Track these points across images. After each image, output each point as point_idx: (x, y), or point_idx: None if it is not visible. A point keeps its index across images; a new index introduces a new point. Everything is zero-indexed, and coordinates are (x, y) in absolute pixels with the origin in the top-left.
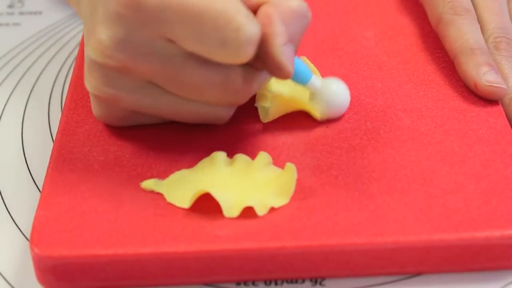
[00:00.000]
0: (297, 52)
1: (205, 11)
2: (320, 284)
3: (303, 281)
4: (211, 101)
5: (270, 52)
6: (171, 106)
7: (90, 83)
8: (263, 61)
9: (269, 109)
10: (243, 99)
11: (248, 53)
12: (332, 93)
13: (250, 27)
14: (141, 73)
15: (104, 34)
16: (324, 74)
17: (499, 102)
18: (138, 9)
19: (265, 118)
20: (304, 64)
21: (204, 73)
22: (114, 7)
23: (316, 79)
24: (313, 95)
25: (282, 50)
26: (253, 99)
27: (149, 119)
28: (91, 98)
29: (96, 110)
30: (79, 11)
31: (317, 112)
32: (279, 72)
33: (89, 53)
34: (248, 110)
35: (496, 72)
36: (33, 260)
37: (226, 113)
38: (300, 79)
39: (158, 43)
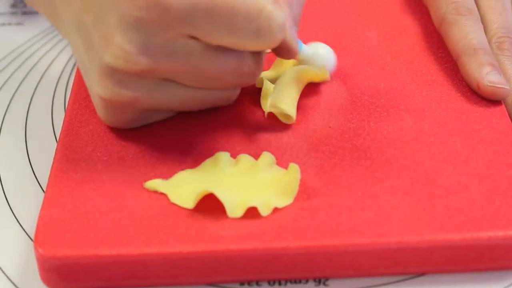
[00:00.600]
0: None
1: (235, 5)
2: (324, 284)
3: (307, 281)
4: (227, 86)
5: (280, 34)
6: (186, 98)
7: (106, 88)
8: None
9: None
10: (254, 79)
11: (280, 38)
12: (321, 56)
13: (279, 14)
14: (162, 73)
15: (125, 40)
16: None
17: (502, 102)
18: (163, 13)
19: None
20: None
21: (222, 62)
22: (135, 12)
23: (306, 47)
24: (302, 63)
25: (290, 33)
26: (254, 99)
27: (161, 115)
28: (100, 106)
29: (107, 116)
30: (56, 22)
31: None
32: (288, 53)
33: (108, 60)
34: (251, 111)
35: (499, 73)
36: (37, 260)
37: (235, 94)
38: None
39: (179, 41)
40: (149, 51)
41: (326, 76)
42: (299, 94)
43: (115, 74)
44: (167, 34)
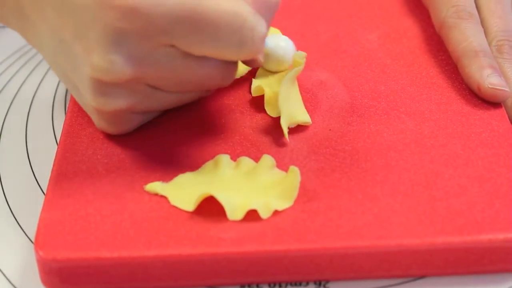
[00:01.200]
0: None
1: (218, 17)
2: (324, 286)
3: (307, 283)
4: (209, 88)
5: (247, 46)
6: (174, 101)
7: (98, 100)
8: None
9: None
10: (233, 79)
11: (262, 48)
12: (282, 48)
13: (261, 24)
14: (148, 80)
15: (108, 52)
16: (327, 77)
17: (502, 105)
18: (146, 24)
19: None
20: None
21: (204, 69)
22: (116, 24)
23: (269, 40)
24: (265, 55)
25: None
26: (253, 102)
27: (153, 115)
28: (95, 115)
29: (107, 127)
30: (31, 37)
31: (270, 67)
32: (254, 63)
33: (93, 73)
34: (252, 114)
35: (499, 75)
36: (37, 263)
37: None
38: None
39: (161, 50)
40: (132, 61)
41: (290, 64)
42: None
43: (103, 85)
44: (150, 43)
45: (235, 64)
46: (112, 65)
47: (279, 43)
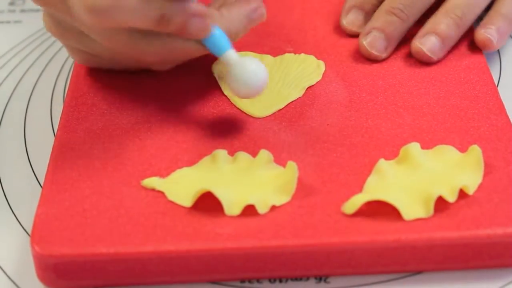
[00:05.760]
0: (297, 49)
1: None
2: (325, 281)
3: (308, 278)
4: (119, 51)
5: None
6: (103, 51)
7: (45, 23)
8: None
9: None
10: (149, 57)
11: (90, 21)
12: (250, 70)
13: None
14: (66, 18)
15: None
16: (325, 71)
17: (500, 98)
18: None
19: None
20: (223, 35)
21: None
22: None
23: (234, 53)
24: (228, 71)
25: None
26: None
27: (108, 63)
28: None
29: (68, 52)
30: None
31: (229, 88)
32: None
33: None
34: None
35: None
36: (34, 259)
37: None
38: (215, 50)
39: None
40: None
41: (228, 94)
42: None
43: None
44: None
45: (146, 34)
46: None
47: (245, 62)
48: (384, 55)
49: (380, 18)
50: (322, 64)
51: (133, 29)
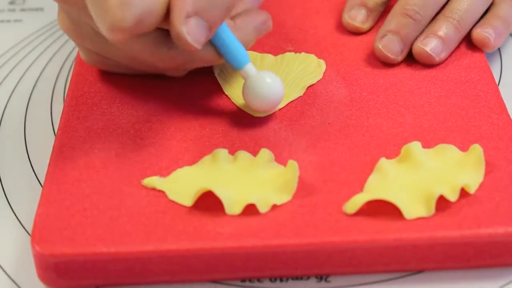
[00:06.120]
0: (298, 48)
1: None
2: (325, 280)
3: (308, 277)
4: (139, 59)
5: (171, 20)
6: (120, 56)
7: (59, 21)
8: (170, 31)
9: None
10: (169, 65)
11: (114, 37)
12: (266, 85)
13: (118, 13)
14: (84, 16)
15: None
16: (326, 70)
17: (501, 97)
18: None
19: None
20: (242, 49)
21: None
22: None
23: (253, 67)
24: (245, 84)
25: (182, 19)
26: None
27: (122, 68)
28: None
29: (80, 53)
30: None
31: (244, 101)
32: (180, 42)
33: None
34: None
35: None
36: (34, 258)
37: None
38: (234, 63)
39: None
40: None
41: (244, 104)
42: None
43: (62, 8)
44: None
45: (165, 42)
46: None
47: (263, 75)
48: (399, 58)
49: (394, 20)
50: (323, 63)
51: (157, 37)
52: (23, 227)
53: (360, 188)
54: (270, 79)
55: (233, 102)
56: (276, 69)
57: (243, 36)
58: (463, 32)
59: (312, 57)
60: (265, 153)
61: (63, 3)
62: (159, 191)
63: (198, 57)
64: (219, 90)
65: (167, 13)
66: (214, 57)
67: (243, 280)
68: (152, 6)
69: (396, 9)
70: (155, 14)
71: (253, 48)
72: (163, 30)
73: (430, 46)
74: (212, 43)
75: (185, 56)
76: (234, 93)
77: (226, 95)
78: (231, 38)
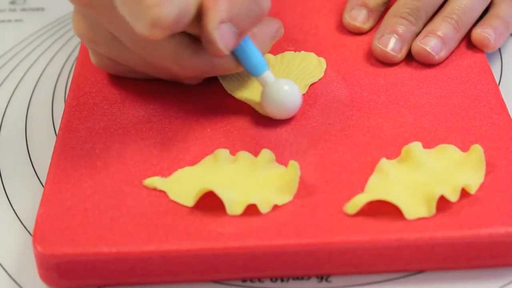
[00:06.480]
0: (298, 48)
1: None
2: (326, 280)
3: (309, 277)
4: (160, 66)
5: (205, 24)
6: (135, 62)
7: (74, 26)
8: (201, 35)
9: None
10: (190, 72)
11: (155, 34)
12: (284, 93)
13: (161, 9)
14: (105, 22)
15: None
16: (326, 70)
17: (502, 97)
18: None
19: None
20: (261, 56)
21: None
22: None
23: (271, 74)
24: (263, 91)
25: (216, 25)
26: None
27: (133, 73)
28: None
29: (91, 56)
30: None
31: (262, 107)
32: (211, 47)
33: None
34: (251, 108)
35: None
36: (35, 258)
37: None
38: (253, 70)
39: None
40: None
41: (264, 113)
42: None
43: (79, 12)
44: None
45: (189, 48)
46: None
47: (281, 82)
48: (399, 56)
49: (388, 21)
50: (323, 61)
51: (179, 44)
52: (25, 227)
53: (361, 188)
54: (288, 86)
55: (233, 102)
56: (277, 68)
57: (261, 44)
58: (462, 32)
59: (312, 55)
60: (266, 154)
61: (84, 6)
62: (160, 191)
63: (218, 65)
64: (221, 90)
65: (197, 16)
66: (233, 65)
67: (244, 280)
68: (188, 6)
69: (389, 13)
70: (189, 14)
71: None
72: (185, 37)
73: (429, 45)
74: (232, 51)
75: (206, 64)
76: (236, 89)
77: (228, 95)
78: (251, 46)
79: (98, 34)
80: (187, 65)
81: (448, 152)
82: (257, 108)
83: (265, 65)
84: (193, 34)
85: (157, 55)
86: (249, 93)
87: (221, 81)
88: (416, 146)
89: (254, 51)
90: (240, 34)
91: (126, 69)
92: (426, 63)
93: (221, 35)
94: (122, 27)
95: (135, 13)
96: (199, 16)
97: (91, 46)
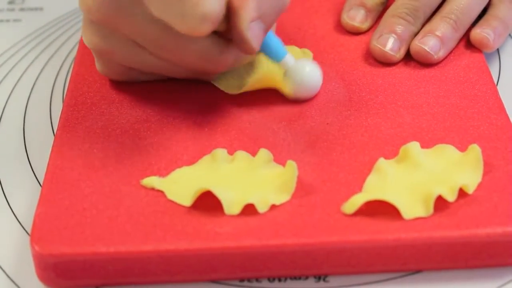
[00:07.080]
0: (298, 46)
1: None
2: (324, 280)
3: (307, 277)
4: (189, 66)
5: (237, 24)
6: (157, 66)
7: (87, 37)
8: (232, 33)
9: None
10: (220, 68)
11: (204, 29)
12: (306, 73)
13: (208, 4)
14: (127, 32)
15: None
16: (324, 70)
17: (500, 97)
18: None
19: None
20: (279, 42)
21: (180, 40)
22: None
23: (291, 58)
24: (286, 74)
25: (248, 25)
26: (251, 96)
27: (145, 76)
28: (94, 54)
29: (98, 65)
30: None
31: (288, 90)
32: (244, 46)
33: (80, 7)
34: (249, 108)
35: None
36: (33, 258)
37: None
38: (274, 56)
39: (138, 7)
40: (110, 5)
41: (288, 94)
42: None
43: (91, 24)
44: None
45: (218, 46)
46: (92, 2)
47: (302, 66)
48: (398, 56)
49: (387, 21)
50: (307, 51)
51: (211, 41)
52: (22, 227)
53: (358, 188)
54: (309, 67)
55: (232, 101)
56: (265, 66)
57: (269, 23)
58: (461, 32)
59: (295, 48)
60: (264, 153)
61: (107, 23)
62: (158, 191)
63: (243, 57)
64: (218, 90)
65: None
66: (254, 55)
67: (241, 280)
68: (222, 1)
69: (388, 13)
70: (223, 10)
71: None
72: (213, 35)
73: (428, 44)
74: None
75: (233, 58)
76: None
77: (226, 95)
78: (269, 34)
79: (115, 44)
80: (218, 62)
81: (446, 152)
82: (278, 87)
83: (284, 50)
84: (218, 31)
85: (188, 55)
86: (255, 79)
87: (217, 85)
88: (414, 146)
89: (273, 39)
90: (266, 29)
91: (136, 74)
92: (425, 63)
93: (252, 34)
94: (147, 34)
95: (181, 13)
96: (227, 13)
97: (105, 56)
